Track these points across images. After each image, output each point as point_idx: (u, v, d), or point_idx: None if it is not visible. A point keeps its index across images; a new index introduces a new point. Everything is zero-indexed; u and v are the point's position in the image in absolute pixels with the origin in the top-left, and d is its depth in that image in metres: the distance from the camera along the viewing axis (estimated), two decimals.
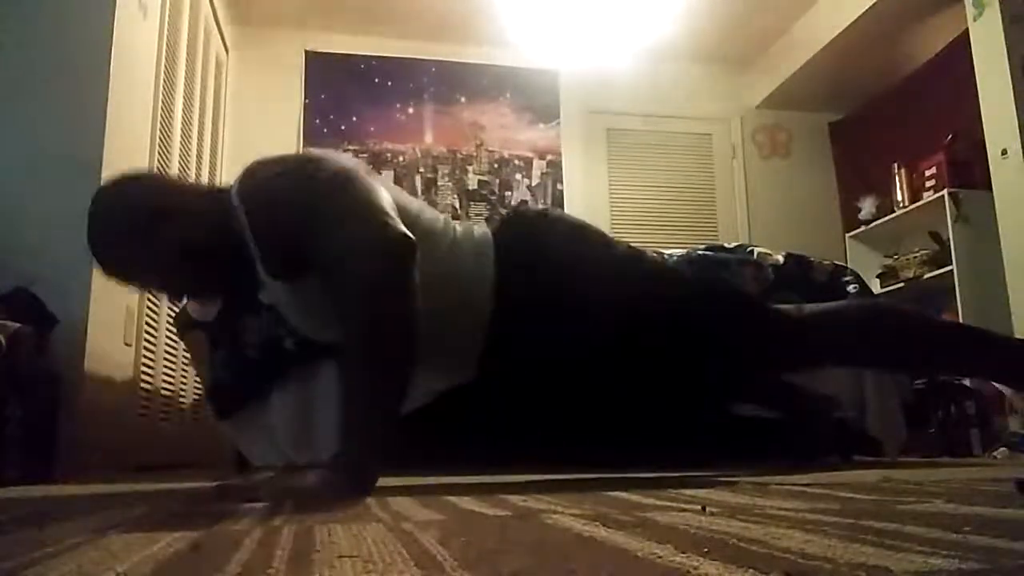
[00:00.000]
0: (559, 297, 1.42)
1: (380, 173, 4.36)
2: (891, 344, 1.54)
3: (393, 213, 1.28)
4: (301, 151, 1.48)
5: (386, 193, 1.33)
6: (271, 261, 1.34)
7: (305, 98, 4.33)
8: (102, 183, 1.43)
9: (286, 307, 1.46)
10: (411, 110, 4.46)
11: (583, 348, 1.43)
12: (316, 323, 1.47)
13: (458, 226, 1.48)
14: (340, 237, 1.25)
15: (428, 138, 4.46)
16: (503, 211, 4.45)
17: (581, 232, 1.55)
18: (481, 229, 1.50)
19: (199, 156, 3.39)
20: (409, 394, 1.20)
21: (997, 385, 2.54)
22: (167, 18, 2.79)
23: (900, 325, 1.57)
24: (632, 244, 1.59)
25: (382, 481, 1.18)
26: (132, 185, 1.43)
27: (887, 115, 4.46)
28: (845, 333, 1.52)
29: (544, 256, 1.45)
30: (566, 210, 4.53)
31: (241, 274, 1.39)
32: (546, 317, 1.41)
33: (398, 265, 1.22)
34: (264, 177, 1.34)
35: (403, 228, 1.24)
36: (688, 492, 1.07)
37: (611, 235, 1.59)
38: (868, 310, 1.64)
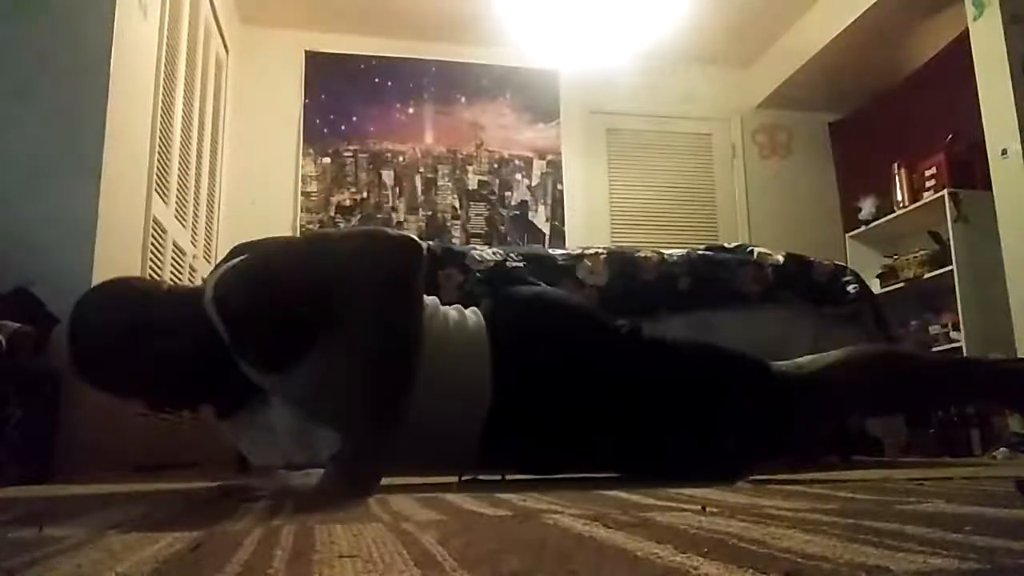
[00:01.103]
0: (559, 387, 1.38)
1: (380, 174, 4.36)
2: (895, 393, 1.53)
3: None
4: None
5: None
6: (258, 357, 1.30)
7: (305, 98, 4.33)
8: (79, 300, 1.37)
9: (287, 397, 1.43)
10: (411, 110, 4.46)
11: (585, 433, 1.40)
12: (309, 409, 1.44)
13: (451, 312, 1.44)
14: (343, 251, 1.24)
15: (428, 138, 4.46)
16: (503, 211, 4.45)
17: (577, 317, 1.50)
18: (475, 319, 1.44)
19: (199, 156, 3.39)
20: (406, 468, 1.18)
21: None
22: (167, 18, 2.79)
23: (902, 373, 1.54)
24: (629, 325, 1.51)
25: (382, 481, 1.18)
26: (108, 299, 1.39)
27: (887, 115, 4.46)
28: (847, 388, 1.49)
29: (541, 347, 1.41)
30: (566, 210, 4.54)
31: (228, 378, 1.35)
32: (546, 406, 1.37)
33: (405, 266, 1.21)
34: (232, 276, 1.29)
35: (403, 232, 1.24)
36: (688, 492, 1.07)
37: (606, 318, 1.52)
38: (867, 361, 1.59)
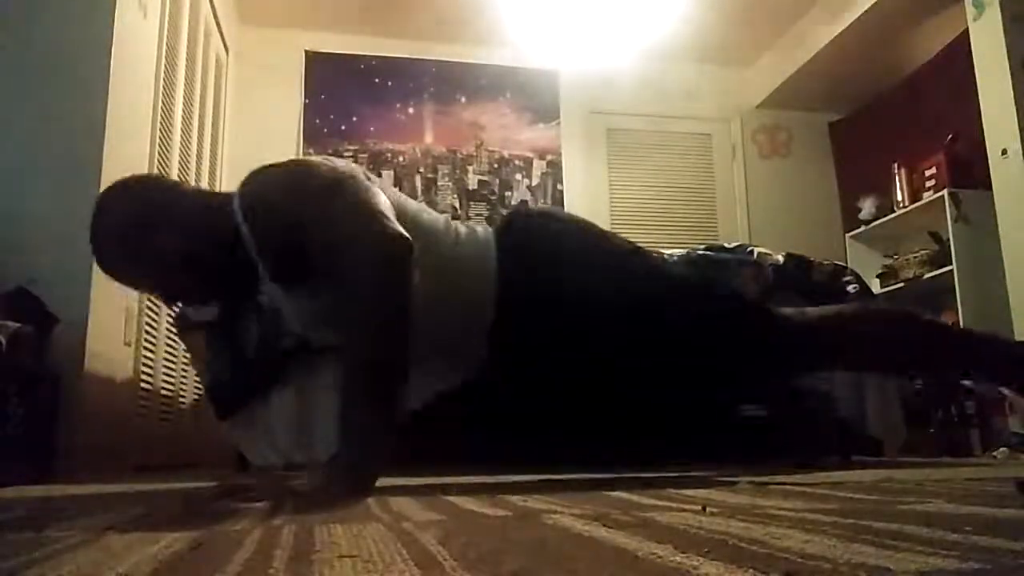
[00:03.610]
0: (561, 297, 1.42)
1: (380, 174, 4.36)
2: (892, 347, 1.54)
3: (390, 214, 1.28)
4: (300, 156, 1.50)
5: (383, 196, 1.34)
6: (271, 266, 1.36)
7: (305, 98, 4.32)
8: (109, 184, 1.46)
9: (286, 310, 1.47)
10: (411, 110, 4.46)
11: (584, 348, 1.44)
12: (314, 327, 1.48)
13: (461, 227, 1.49)
14: (336, 239, 1.25)
15: (428, 138, 4.46)
16: (503, 211, 4.45)
17: (584, 231, 1.56)
18: (484, 229, 1.51)
19: (199, 156, 3.39)
20: (411, 393, 1.21)
21: (1002, 389, 2.54)
22: (167, 18, 2.79)
23: (901, 327, 1.57)
24: (635, 243, 1.59)
25: (382, 481, 1.18)
26: (136, 187, 1.46)
27: (887, 115, 4.46)
28: (846, 336, 1.52)
29: (546, 256, 1.46)
30: (566, 210, 4.53)
31: (241, 279, 1.41)
32: (548, 317, 1.42)
33: (395, 264, 1.21)
34: (262, 185, 1.36)
35: (400, 228, 1.24)
36: (688, 492, 1.07)
37: (613, 233, 1.59)
38: (869, 313, 1.64)
